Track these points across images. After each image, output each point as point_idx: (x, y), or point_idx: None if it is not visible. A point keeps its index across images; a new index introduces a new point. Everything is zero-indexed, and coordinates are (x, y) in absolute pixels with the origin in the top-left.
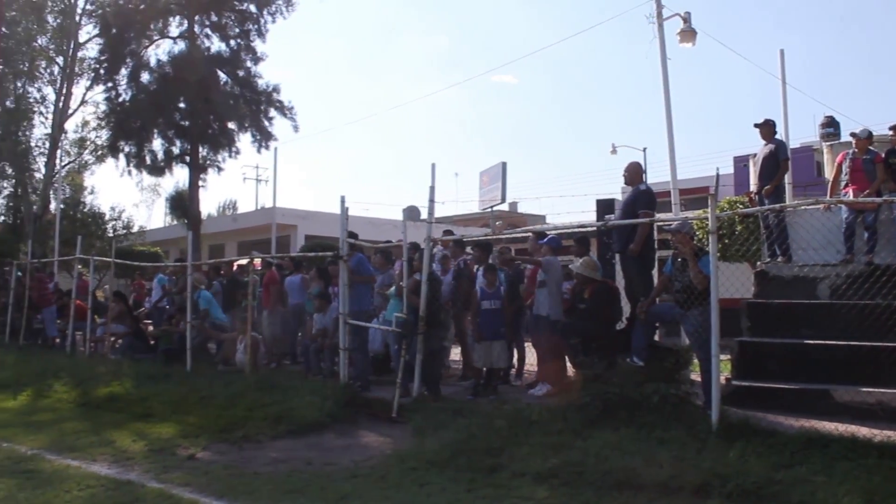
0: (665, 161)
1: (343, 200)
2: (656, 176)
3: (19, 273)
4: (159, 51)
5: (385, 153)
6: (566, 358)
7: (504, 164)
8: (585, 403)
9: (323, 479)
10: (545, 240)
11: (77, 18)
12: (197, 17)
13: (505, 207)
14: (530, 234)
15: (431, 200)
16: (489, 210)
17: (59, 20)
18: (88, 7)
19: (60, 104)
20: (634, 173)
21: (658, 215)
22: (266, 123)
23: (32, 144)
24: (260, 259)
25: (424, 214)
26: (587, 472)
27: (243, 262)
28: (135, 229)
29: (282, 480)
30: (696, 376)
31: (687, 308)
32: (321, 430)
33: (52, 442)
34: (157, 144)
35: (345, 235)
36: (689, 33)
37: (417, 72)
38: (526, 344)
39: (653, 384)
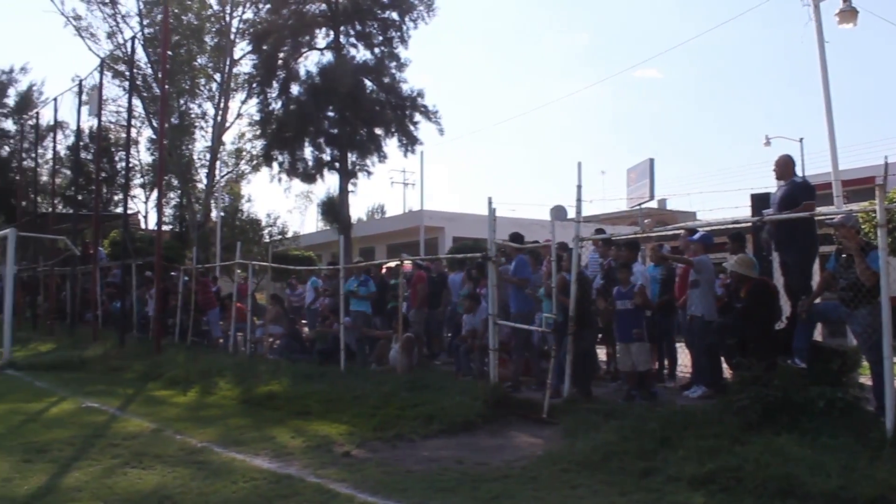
0: (823, 151)
1: (490, 202)
2: (815, 167)
3: (186, 278)
4: (308, 62)
5: (529, 153)
6: (722, 359)
7: (652, 161)
8: (743, 406)
9: (474, 479)
10: (696, 237)
11: (232, 38)
12: (342, 28)
13: (654, 205)
14: (681, 231)
15: (579, 199)
16: (637, 208)
17: (216, 40)
18: (242, 26)
19: (219, 118)
20: (785, 166)
21: (818, 209)
22: (411, 128)
23: (195, 157)
24: (410, 261)
25: (572, 214)
26: (746, 479)
27: (392, 264)
28: (289, 234)
29: (434, 479)
30: (865, 379)
31: (853, 307)
32: (472, 429)
33: (218, 436)
34: (309, 152)
35: (493, 237)
36: (849, 13)
37: (558, 70)
38: (679, 345)
39: (818, 387)
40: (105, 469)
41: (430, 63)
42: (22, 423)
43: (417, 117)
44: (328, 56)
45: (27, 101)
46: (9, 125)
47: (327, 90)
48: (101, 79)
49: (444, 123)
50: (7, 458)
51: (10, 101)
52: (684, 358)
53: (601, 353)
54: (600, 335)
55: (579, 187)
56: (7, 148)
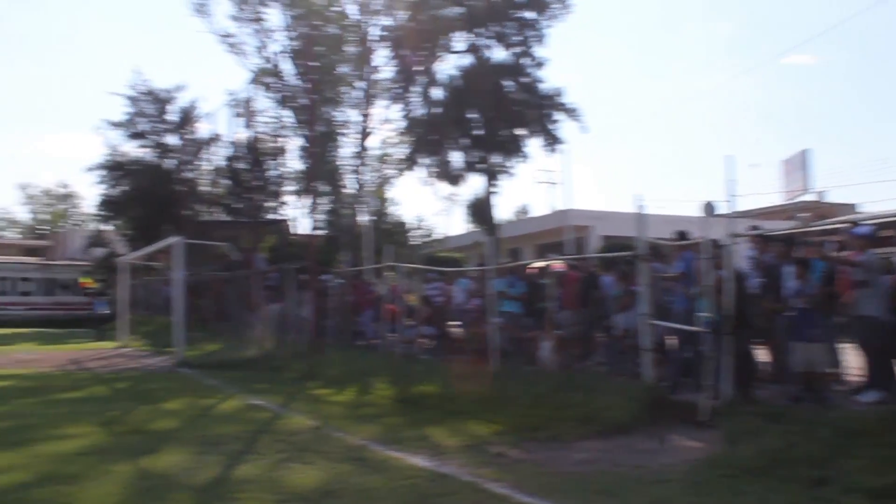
0: None
1: (638, 199)
2: None
3: (339, 280)
4: (447, 66)
5: (676, 148)
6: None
7: (808, 152)
8: None
9: (632, 482)
10: (861, 230)
11: (371, 45)
12: (478, 29)
13: (812, 198)
14: (843, 225)
15: (731, 194)
16: (794, 202)
17: (357, 49)
18: (381, 34)
19: (363, 125)
20: None
21: None
22: (553, 127)
23: (342, 164)
24: (558, 261)
25: (723, 209)
26: None
27: (540, 264)
28: (436, 237)
29: (590, 481)
30: None
31: None
32: (628, 431)
33: (376, 434)
34: (453, 155)
35: (643, 235)
36: None
37: (702, 62)
38: (844, 346)
39: None
40: (271, 463)
41: (569, 60)
42: (196, 418)
43: (558, 116)
44: (466, 59)
45: (187, 117)
46: (172, 140)
47: (468, 92)
48: (253, 92)
49: (586, 121)
50: (185, 449)
51: (172, 117)
52: (851, 360)
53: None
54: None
55: (731, 181)
56: (171, 161)
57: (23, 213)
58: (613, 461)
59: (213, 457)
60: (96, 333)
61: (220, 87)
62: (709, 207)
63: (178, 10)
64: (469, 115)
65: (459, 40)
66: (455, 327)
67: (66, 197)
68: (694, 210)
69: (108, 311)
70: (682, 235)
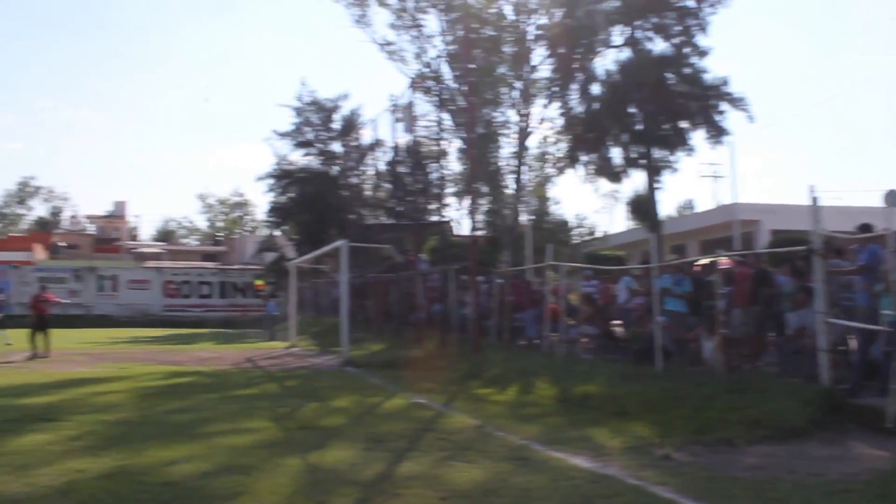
0: None
1: (812, 190)
2: None
3: (500, 280)
4: (605, 61)
5: (849, 136)
6: None
7: None
8: None
9: (808, 490)
10: None
11: (528, 45)
12: (637, 22)
13: None
14: None
15: None
16: None
17: (514, 49)
18: (538, 32)
19: (522, 125)
20: None
21: None
22: (718, 118)
23: (502, 164)
24: (726, 257)
25: None
26: None
27: (706, 261)
28: (598, 235)
29: (761, 487)
30: None
31: None
32: (802, 436)
33: (538, 434)
34: (613, 151)
35: (818, 228)
36: None
37: (871, 44)
38: None
39: None
40: (434, 460)
41: (733, 48)
42: (361, 415)
43: (723, 106)
44: (625, 52)
45: (350, 125)
46: (336, 147)
47: (628, 87)
48: (412, 97)
49: (752, 110)
50: (352, 445)
51: (336, 125)
52: None
53: None
54: None
55: None
56: (336, 167)
57: (201, 221)
58: (787, 468)
59: (378, 453)
60: (268, 334)
61: (381, 94)
62: (892, 196)
63: (341, 21)
64: (629, 110)
65: (617, 34)
66: (618, 326)
67: (240, 205)
68: (873, 200)
69: (278, 313)
70: (865, 228)
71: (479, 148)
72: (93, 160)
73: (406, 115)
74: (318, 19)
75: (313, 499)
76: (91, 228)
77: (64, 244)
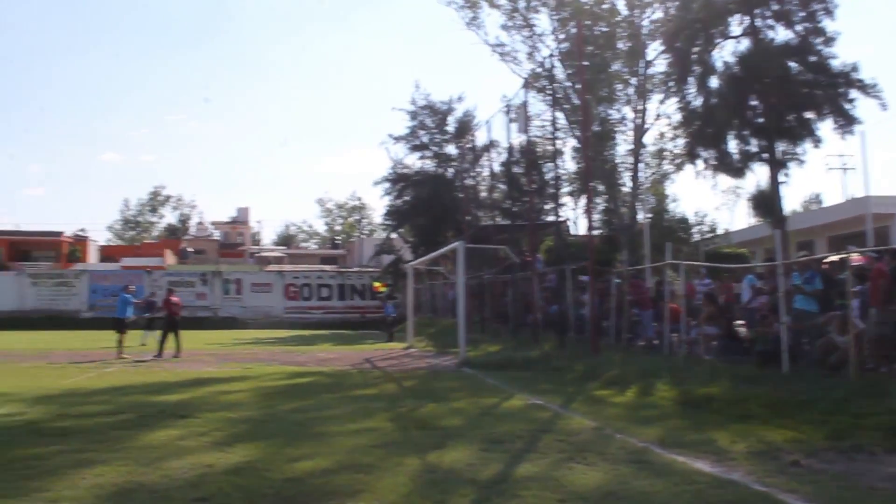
0: None
1: None
2: None
3: (618, 280)
4: (723, 53)
5: None
6: None
7: None
8: None
9: None
10: None
11: (644, 40)
12: (757, 11)
13: None
14: None
15: None
16: None
17: (628, 45)
18: (652, 27)
19: (637, 121)
20: None
21: None
22: (847, 107)
23: (618, 162)
24: (858, 253)
25: None
26: None
27: (836, 257)
28: (719, 232)
29: None
30: None
31: None
32: None
33: (658, 436)
34: (734, 146)
35: None
36: None
37: None
38: None
39: None
40: (552, 462)
41: (865, 31)
42: (479, 416)
43: (853, 94)
44: (745, 43)
45: (464, 127)
46: (451, 149)
47: (748, 78)
48: (525, 97)
49: (885, 98)
50: (469, 446)
51: (451, 128)
52: None
53: None
54: None
55: None
56: (451, 170)
57: (320, 226)
58: None
59: (496, 454)
60: (386, 335)
61: (494, 95)
62: None
63: (453, 25)
64: (750, 103)
65: (736, 24)
66: (741, 326)
67: (358, 209)
68: None
69: (396, 314)
70: None
71: (595, 146)
72: (217, 169)
73: (520, 115)
74: (430, 24)
75: (432, 498)
76: (216, 234)
77: (192, 250)
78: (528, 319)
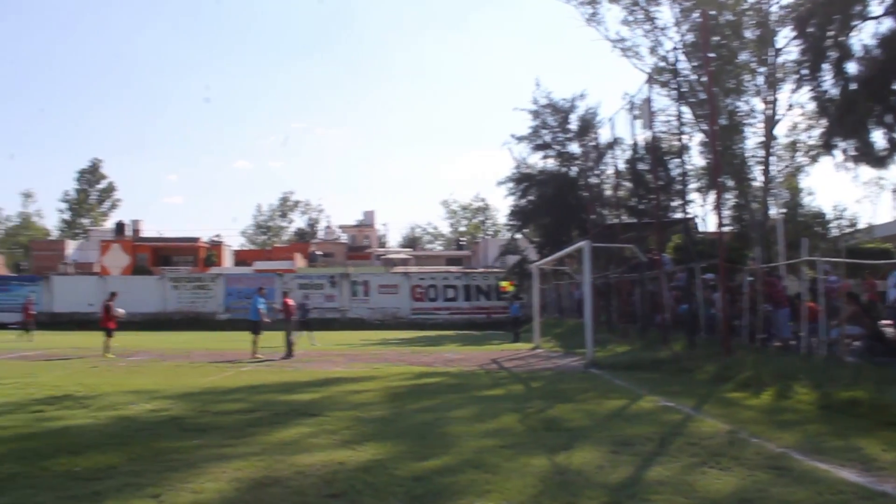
0: None
1: None
2: None
3: (750, 278)
4: (862, 35)
5: None
6: None
7: None
8: None
9: None
10: None
11: (772, 27)
12: None
13: None
14: None
15: None
16: None
17: (756, 33)
18: (782, 13)
19: (768, 112)
20: None
21: None
22: None
23: (748, 155)
24: None
25: None
26: None
27: None
28: (860, 226)
29: None
30: None
31: None
32: None
33: (797, 442)
34: (877, 134)
35: None
36: None
37: None
38: None
39: None
40: (684, 466)
41: None
42: (607, 418)
43: None
44: (887, 24)
45: (587, 124)
46: (574, 148)
47: (891, 61)
48: (649, 92)
49: None
50: (597, 448)
51: (573, 126)
52: None
53: None
54: None
55: None
56: (574, 168)
57: (445, 227)
58: None
59: (625, 457)
60: (512, 335)
61: (616, 91)
62: None
63: (572, 22)
64: (894, 87)
65: (877, 4)
66: (888, 326)
67: (482, 210)
68: None
69: (520, 315)
70: None
71: (723, 140)
72: (343, 173)
73: (643, 111)
74: (549, 23)
75: (560, 500)
76: (343, 237)
77: (320, 253)
78: (657, 319)
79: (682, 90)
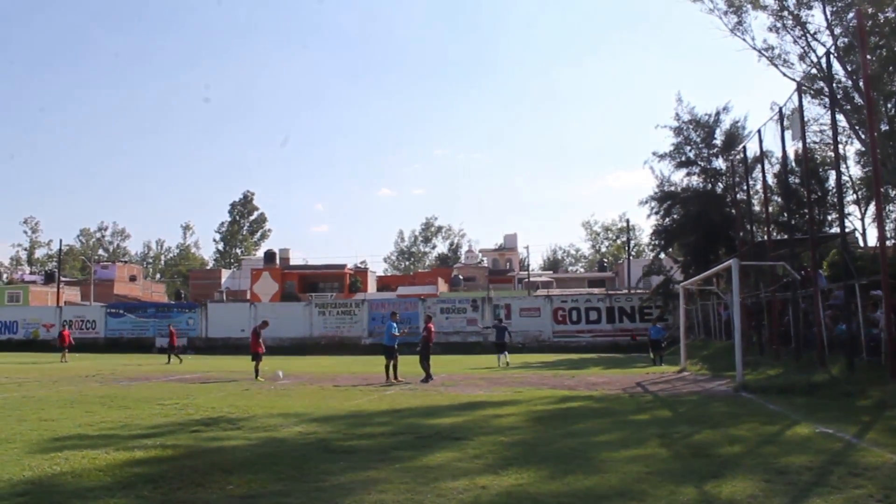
0: None
1: None
2: None
3: None
4: None
5: None
6: None
7: None
8: None
9: None
10: None
11: None
12: None
13: None
14: None
15: None
16: None
17: None
18: None
19: None
20: None
21: None
22: None
23: None
24: None
25: None
26: None
27: None
28: None
29: None
30: None
31: None
32: None
33: None
34: None
35: None
36: None
37: None
38: None
39: None
40: (847, 499)
41: None
42: (760, 444)
43: None
44: None
45: (733, 138)
46: (719, 163)
47: None
48: (800, 101)
49: None
50: (750, 476)
51: (718, 141)
52: None
53: None
54: None
55: None
56: (720, 184)
57: (586, 248)
58: None
59: (779, 486)
60: (653, 358)
61: (764, 104)
62: None
63: (714, 34)
64: None
65: None
66: None
67: (624, 230)
68: None
69: (661, 337)
70: None
71: (883, 147)
72: (485, 197)
73: (794, 121)
74: (690, 38)
75: None
76: (485, 261)
77: (462, 277)
78: (812, 340)
79: (837, 97)
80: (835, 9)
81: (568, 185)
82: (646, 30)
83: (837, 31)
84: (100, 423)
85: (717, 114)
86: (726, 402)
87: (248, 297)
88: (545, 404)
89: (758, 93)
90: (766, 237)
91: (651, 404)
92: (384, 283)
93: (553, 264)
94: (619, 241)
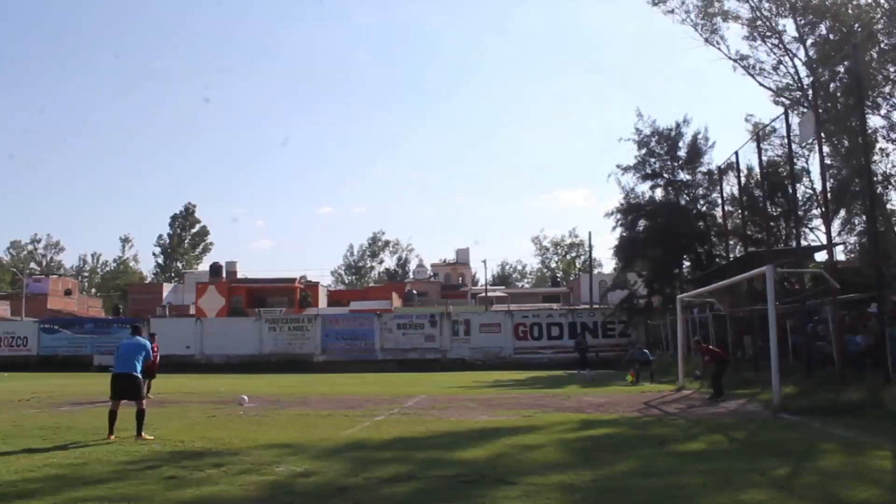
0: None
1: None
2: None
3: None
4: None
5: None
6: None
7: None
8: None
9: None
10: None
11: None
12: None
13: None
14: None
15: None
16: None
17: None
18: None
19: None
20: None
21: None
22: None
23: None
24: None
25: None
26: None
27: None
28: None
29: None
30: None
31: None
32: None
33: None
34: None
35: None
36: None
37: None
38: None
39: None
40: None
41: None
42: (876, 483)
43: None
44: None
45: (696, 151)
46: (685, 175)
47: None
48: (787, 122)
49: None
50: None
51: (682, 153)
52: None
53: None
54: None
55: None
56: (685, 196)
57: (535, 263)
58: None
59: None
60: (645, 375)
61: (737, 113)
62: None
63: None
64: None
65: None
66: None
67: (574, 245)
68: None
69: (634, 355)
70: None
71: (857, 158)
72: (427, 215)
73: (804, 124)
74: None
75: None
76: (437, 276)
77: (415, 292)
78: (814, 355)
79: (808, 107)
80: (806, 22)
81: (512, 202)
82: (596, 48)
83: (813, 41)
84: (43, 465)
85: (678, 126)
86: (777, 425)
87: (194, 311)
88: (569, 431)
89: (734, 103)
90: (745, 249)
91: (693, 429)
92: (335, 298)
93: (503, 279)
94: (568, 257)
